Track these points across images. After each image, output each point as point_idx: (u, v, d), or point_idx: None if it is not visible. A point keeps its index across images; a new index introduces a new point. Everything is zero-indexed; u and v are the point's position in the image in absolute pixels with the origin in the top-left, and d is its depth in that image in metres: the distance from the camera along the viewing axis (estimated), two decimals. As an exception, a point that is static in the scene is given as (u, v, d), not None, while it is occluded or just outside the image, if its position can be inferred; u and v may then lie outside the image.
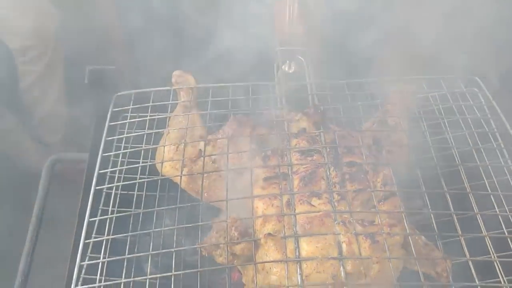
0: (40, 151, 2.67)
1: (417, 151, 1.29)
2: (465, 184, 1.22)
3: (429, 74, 1.47)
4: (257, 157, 1.23)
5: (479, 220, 1.16)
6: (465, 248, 1.10)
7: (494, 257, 1.10)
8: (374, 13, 1.66)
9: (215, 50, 1.57)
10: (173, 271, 1.05)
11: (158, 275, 1.07)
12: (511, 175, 1.27)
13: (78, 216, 1.24)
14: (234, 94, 1.39)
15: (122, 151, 1.31)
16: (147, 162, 1.31)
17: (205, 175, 1.22)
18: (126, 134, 1.34)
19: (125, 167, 1.27)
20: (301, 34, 1.52)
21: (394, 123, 1.33)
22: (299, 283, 0.98)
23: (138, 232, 1.14)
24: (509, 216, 1.17)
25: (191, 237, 1.29)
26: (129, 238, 1.20)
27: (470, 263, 1.08)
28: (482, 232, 1.14)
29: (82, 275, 1.11)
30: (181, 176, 1.22)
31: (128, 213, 1.19)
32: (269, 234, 1.06)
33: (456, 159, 1.26)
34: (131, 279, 1.07)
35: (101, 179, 1.27)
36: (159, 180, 1.33)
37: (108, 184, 1.29)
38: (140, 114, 1.40)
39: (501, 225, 1.17)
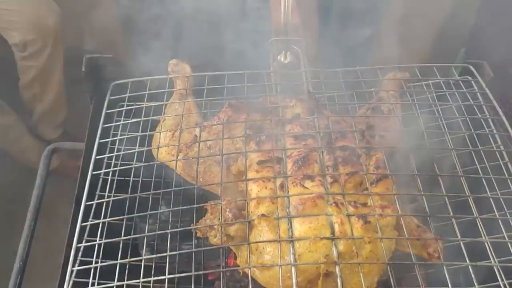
0: (40, 147, 2.69)
1: (410, 137, 1.30)
2: (457, 168, 1.23)
3: (424, 62, 1.49)
4: (251, 142, 1.25)
5: (470, 204, 1.17)
6: (457, 230, 1.12)
7: (486, 238, 1.11)
8: (370, 3, 1.68)
9: (212, 40, 1.59)
10: (168, 251, 1.06)
11: (154, 256, 1.08)
12: (503, 159, 1.29)
13: (75, 201, 1.26)
14: (230, 82, 1.41)
15: (119, 137, 1.32)
16: (143, 148, 1.33)
17: (200, 160, 1.24)
18: (123, 121, 1.36)
19: (122, 152, 1.29)
20: (296, 24, 1.54)
21: (387, 109, 1.35)
22: (292, 262, 1.00)
23: (134, 215, 1.16)
24: (500, 199, 1.19)
25: (187, 222, 1.30)
26: (125, 222, 1.22)
27: (462, 244, 1.09)
28: (473, 215, 1.15)
29: (79, 257, 1.13)
30: (176, 161, 1.24)
31: (125, 196, 1.20)
32: (263, 215, 1.08)
33: (449, 144, 1.28)
34: (127, 259, 1.08)
35: (98, 165, 1.29)
36: (155, 167, 1.35)
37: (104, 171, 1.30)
38: (137, 103, 1.42)
39: (493, 208, 1.19)
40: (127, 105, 1.40)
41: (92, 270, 1.11)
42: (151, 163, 1.26)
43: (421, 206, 1.19)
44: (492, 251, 1.11)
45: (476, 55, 1.50)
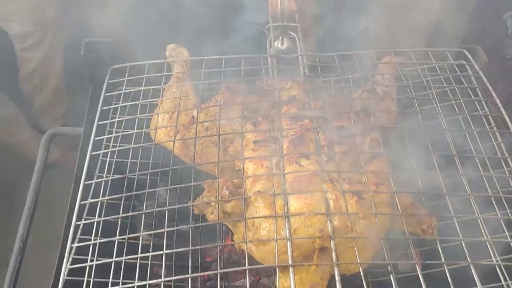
0: (40, 139, 2.70)
1: (405, 118, 1.32)
2: (451, 148, 1.25)
3: (419, 47, 1.50)
4: (248, 123, 1.26)
5: (464, 182, 1.19)
6: (451, 208, 1.13)
7: (478, 215, 1.13)
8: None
9: (211, 25, 1.61)
10: (165, 227, 1.08)
11: (152, 232, 1.10)
12: (496, 140, 1.30)
13: (74, 180, 1.27)
14: (227, 66, 1.42)
15: (117, 119, 1.34)
16: (141, 130, 1.35)
17: (198, 141, 1.26)
18: (121, 104, 1.38)
19: (121, 134, 1.30)
20: (293, 11, 1.55)
21: (382, 92, 1.36)
22: (287, 236, 1.02)
23: (133, 193, 1.17)
24: (493, 177, 1.21)
25: (185, 203, 1.32)
26: (123, 201, 1.23)
27: (455, 220, 1.11)
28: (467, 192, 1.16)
29: (78, 235, 1.15)
30: (174, 142, 1.25)
31: (123, 176, 1.22)
32: (259, 191, 1.09)
33: (443, 125, 1.29)
34: (125, 236, 1.09)
35: (97, 147, 1.30)
36: (153, 148, 1.37)
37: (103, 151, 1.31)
38: (135, 87, 1.43)
39: (486, 186, 1.20)
40: (125, 89, 1.41)
41: (91, 248, 1.13)
42: (149, 143, 1.28)
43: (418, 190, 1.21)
44: (485, 228, 1.12)
45: (470, 40, 1.51)
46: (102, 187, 1.23)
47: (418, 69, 1.48)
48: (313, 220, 1.04)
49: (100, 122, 1.31)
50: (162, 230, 1.09)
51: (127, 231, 1.22)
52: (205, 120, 1.30)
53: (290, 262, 0.97)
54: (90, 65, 1.45)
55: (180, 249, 1.05)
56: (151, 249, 1.18)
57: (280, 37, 1.52)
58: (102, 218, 1.14)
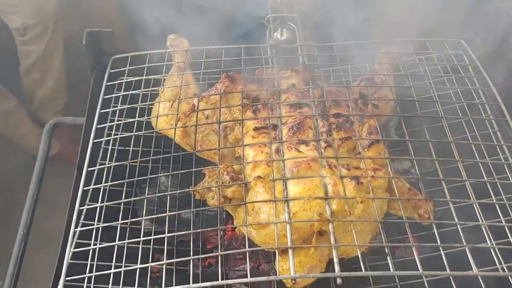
0: (40, 133, 2.71)
1: (402, 107, 1.34)
2: (448, 136, 1.27)
3: (417, 37, 1.52)
4: (248, 111, 1.28)
5: (460, 168, 1.21)
6: (447, 192, 1.15)
7: (474, 200, 1.15)
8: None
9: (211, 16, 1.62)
10: (167, 210, 1.10)
11: (154, 216, 1.12)
12: (492, 128, 1.32)
13: (77, 167, 1.29)
14: (227, 56, 1.44)
15: (119, 107, 1.36)
16: (143, 118, 1.36)
17: (198, 129, 1.28)
18: (123, 93, 1.39)
19: (122, 122, 1.32)
20: (293, 1, 1.57)
21: (380, 80, 1.38)
22: (287, 219, 1.04)
23: (135, 179, 1.19)
24: (489, 164, 1.23)
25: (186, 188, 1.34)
26: (125, 187, 1.25)
27: (451, 205, 1.13)
28: (462, 178, 1.18)
29: (81, 220, 1.17)
30: (175, 129, 1.27)
31: (125, 162, 1.24)
32: (259, 177, 1.11)
33: (440, 112, 1.31)
34: (128, 220, 1.11)
35: (99, 135, 1.32)
36: (154, 137, 1.38)
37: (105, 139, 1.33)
38: (137, 76, 1.45)
39: (482, 172, 1.23)
40: (127, 79, 1.43)
41: (94, 232, 1.14)
42: (151, 131, 1.30)
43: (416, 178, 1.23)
44: (481, 213, 1.14)
45: (468, 30, 1.53)
46: (105, 174, 1.25)
47: (416, 59, 1.49)
48: (312, 204, 1.06)
49: (102, 111, 1.33)
50: (164, 215, 1.11)
51: (129, 217, 1.23)
52: (205, 108, 1.31)
53: (289, 244, 1.00)
54: (91, 54, 1.47)
55: (182, 232, 1.07)
56: (153, 233, 1.20)
57: (280, 28, 1.54)
58: (105, 203, 1.16)
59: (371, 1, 1.76)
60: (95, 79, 1.48)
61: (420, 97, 1.43)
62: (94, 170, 1.23)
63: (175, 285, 1.00)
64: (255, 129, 1.22)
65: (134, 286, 1.11)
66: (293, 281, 1.01)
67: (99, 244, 1.12)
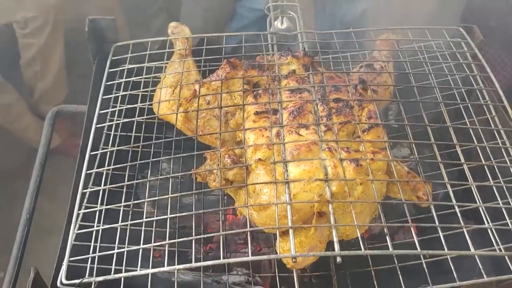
0: (41, 125, 2.72)
1: (402, 93, 1.36)
2: (446, 120, 1.28)
3: (417, 25, 1.54)
4: (249, 96, 1.30)
5: (458, 152, 1.22)
6: (445, 175, 1.17)
7: (472, 182, 1.17)
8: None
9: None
10: (169, 193, 1.11)
11: (156, 198, 1.13)
12: (490, 114, 1.34)
13: (79, 151, 1.30)
14: (228, 43, 1.46)
15: (121, 93, 1.37)
16: (145, 104, 1.38)
17: (200, 115, 1.29)
18: (125, 80, 1.41)
19: (124, 107, 1.33)
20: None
21: (380, 67, 1.40)
22: (287, 201, 1.05)
23: (137, 162, 1.20)
24: (486, 147, 1.25)
25: (188, 176, 1.35)
26: (127, 172, 1.27)
27: (449, 187, 1.14)
28: (461, 160, 1.20)
29: (84, 203, 1.18)
30: (177, 114, 1.28)
31: (128, 147, 1.25)
32: (259, 159, 1.13)
33: (438, 98, 1.33)
34: (130, 202, 1.13)
35: (101, 121, 1.34)
36: (156, 123, 1.40)
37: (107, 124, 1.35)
38: (138, 64, 1.46)
39: (480, 156, 1.24)
40: (129, 66, 1.44)
41: (97, 214, 1.16)
42: (153, 115, 1.31)
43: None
44: (478, 195, 1.16)
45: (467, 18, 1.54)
46: (107, 159, 1.27)
47: (415, 46, 1.51)
48: (312, 185, 1.07)
49: (104, 97, 1.35)
50: (165, 197, 1.12)
51: (132, 199, 1.25)
52: (207, 93, 1.33)
53: (290, 225, 1.01)
54: (93, 42, 1.48)
55: (184, 213, 1.09)
56: (155, 215, 1.21)
57: (280, 17, 1.56)
58: (108, 186, 1.18)
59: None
60: (97, 66, 1.49)
61: (419, 84, 1.45)
62: (97, 154, 1.24)
63: (177, 267, 1.01)
64: (256, 113, 1.23)
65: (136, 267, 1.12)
66: (293, 260, 1.02)
67: (102, 226, 1.14)
